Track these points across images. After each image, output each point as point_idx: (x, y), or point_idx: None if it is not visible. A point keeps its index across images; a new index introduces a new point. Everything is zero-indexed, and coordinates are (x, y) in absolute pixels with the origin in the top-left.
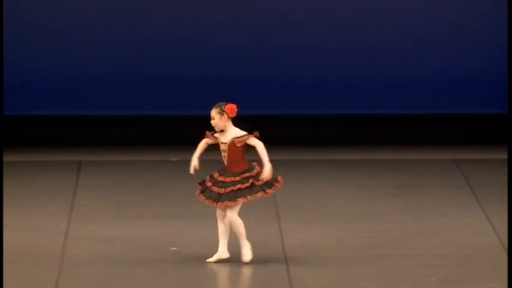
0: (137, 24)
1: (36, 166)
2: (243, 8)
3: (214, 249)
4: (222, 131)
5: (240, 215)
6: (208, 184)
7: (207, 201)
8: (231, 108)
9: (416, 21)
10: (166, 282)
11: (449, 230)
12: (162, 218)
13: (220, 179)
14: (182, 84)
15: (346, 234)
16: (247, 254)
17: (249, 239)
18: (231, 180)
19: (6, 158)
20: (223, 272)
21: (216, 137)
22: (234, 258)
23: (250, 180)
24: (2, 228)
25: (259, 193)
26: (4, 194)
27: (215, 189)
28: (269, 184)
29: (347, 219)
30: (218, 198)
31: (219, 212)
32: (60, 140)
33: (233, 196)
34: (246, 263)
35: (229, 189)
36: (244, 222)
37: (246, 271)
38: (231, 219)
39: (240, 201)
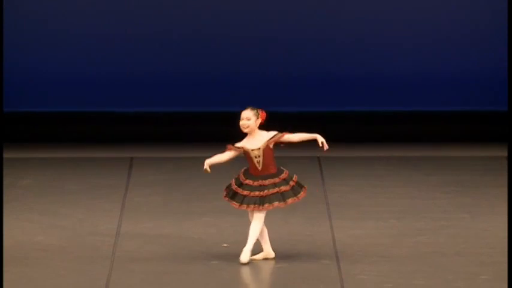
0: (145, 22)
1: (89, 162)
2: (251, 5)
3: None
4: (240, 140)
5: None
6: (245, 193)
7: (242, 207)
8: (264, 114)
9: (420, 21)
10: (219, 279)
11: (502, 228)
12: (214, 214)
13: (257, 183)
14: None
15: (399, 232)
16: (248, 255)
17: (299, 235)
18: (270, 182)
19: (62, 154)
20: (272, 268)
21: (238, 148)
22: (281, 255)
23: (291, 183)
24: (2, 228)
25: (295, 198)
26: (59, 190)
27: (256, 193)
28: (296, 191)
29: (399, 217)
30: (263, 201)
31: (252, 214)
32: (113, 137)
33: (281, 197)
34: (244, 264)
35: (272, 191)
36: (294, 219)
37: (297, 268)
38: (256, 218)
39: (290, 202)
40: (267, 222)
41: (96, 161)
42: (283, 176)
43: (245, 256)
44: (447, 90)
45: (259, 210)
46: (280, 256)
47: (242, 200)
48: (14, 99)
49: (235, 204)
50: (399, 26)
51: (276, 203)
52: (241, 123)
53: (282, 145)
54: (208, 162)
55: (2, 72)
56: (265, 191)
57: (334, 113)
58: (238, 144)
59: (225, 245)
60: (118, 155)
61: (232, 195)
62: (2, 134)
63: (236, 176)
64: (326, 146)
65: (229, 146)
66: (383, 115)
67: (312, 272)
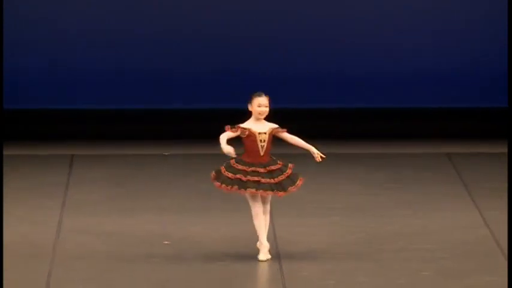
0: (143, 19)
1: (33, 160)
2: (251, 4)
3: (204, 245)
4: (249, 121)
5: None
6: (256, 178)
7: (265, 193)
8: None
9: (418, 16)
10: (160, 277)
11: (442, 225)
12: (156, 212)
13: (264, 170)
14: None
15: (341, 229)
16: (264, 252)
17: (240, 232)
18: (276, 167)
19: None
20: (213, 267)
21: (241, 129)
22: (222, 254)
23: (290, 165)
24: (2, 227)
25: (293, 187)
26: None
27: (267, 180)
28: (295, 175)
29: (341, 214)
30: (273, 187)
31: (258, 210)
32: (54, 134)
33: (291, 181)
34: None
35: (281, 177)
36: (239, 218)
37: (238, 266)
38: (267, 212)
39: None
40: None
41: (37, 158)
42: (281, 162)
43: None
44: (447, 87)
45: (280, 195)
46: (222, 255)
47: (257, 186)
48: None
49: (251, 191)
50: (398, 23)
51: (289, 188)
52: (260, 109)
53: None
54: (227, 147)
55: (2, 71)
56: (276, 178)
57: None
58: (243, 125)
59: (166, 242)
60: (59, 152)
61: (239, 184)
62: (2, 133)
63: (229, 166)
64: (319, 159)
65: (228, 127)
66: (331, 112)
67: (253, 270)
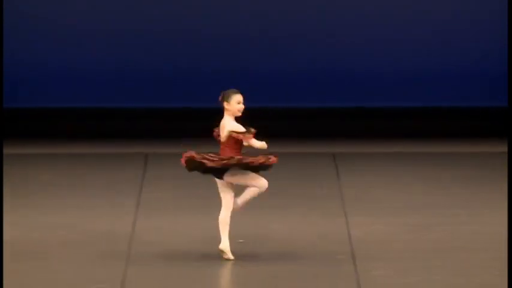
0: (143, 18)
1: (109, 158)
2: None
3: (279, 243)
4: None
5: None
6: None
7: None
8: None
9: (420, 17)
10: (231, 274)
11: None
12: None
13: (214, 155)
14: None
15: (416, 227)
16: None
17: (315, 231)
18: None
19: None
20: (288, 265)
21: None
22: (297, 252)
23: (242, 161)
24: (2, 227)
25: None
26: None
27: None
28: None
29: (415, 213)
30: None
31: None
32: (128, 132)
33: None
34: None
35: (222, 162)
36: (310, 216)
37: (313, 265)
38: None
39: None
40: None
41: (112, 156)
42: (243, 159)
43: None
44: (461, 86)
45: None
46: (297, 253)
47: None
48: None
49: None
50: (400, 22)
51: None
52: (240, 106)
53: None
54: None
55: (2, 70)
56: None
57: (349, 109)
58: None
59: (240, 240)
60: (134, 150)
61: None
62: (2, 131)
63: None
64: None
65: (249, 129)
66: (398, 111)
67: (327, 269)
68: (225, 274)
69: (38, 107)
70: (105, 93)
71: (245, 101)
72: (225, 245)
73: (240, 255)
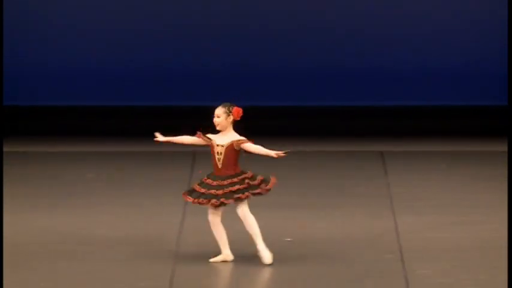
0: (144, 17)
1: (157, 157)
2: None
3: (326, 242)
4: (216, 133)
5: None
6: (202, 190)
7: (196, 201)
8: (238, 111)
9: (420, 13)
10: (278, 272)
11: None
12: (276, 207)
13: (216, 183)
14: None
15: (464, 226)
16: (267, 255)
17: (363, 229)
18: (228, 182)
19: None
20: (336, 263)
21: (209, 139)
22: (345, 250)
23: (247, 181)
24: (2, 225)
25: (257, 190)
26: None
27: (212, 191)
28: (265, 183)
29: (463, 211)
30: (213, 197)
31: (213, 217)
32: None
33: (230, 196)
34: (269, 265)
35: (227, 190)
36: (358, 213)
37: (360, 262)
38: (245, 217)
39: (242, 198)
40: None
41: (161, 155)
42: (244, 176)
43: (268, 257)
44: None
45: (211, 205)
46: (344, 252)
47: (199, 196)
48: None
49: (189, 199)
50: (401, 20)
51: (230, 200)
52: (214, 120)
53: (244, 154)
54: (165, 138)
55: (2, 68)
56: (221, 190)
57: (396, 107)
58: (209, 135)
59: (288, 239)
60: (182, 149)
61: (191, 191)
62: (1, 129)
63: (200, 181)
64: (256, 182)
65: (199, 134)
66: (448, 109)
67: (375, 268)
68: (272, 274)
69: (68, 104)
70: (146, 91)
71: (294, 100)
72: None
73: (288, 255)
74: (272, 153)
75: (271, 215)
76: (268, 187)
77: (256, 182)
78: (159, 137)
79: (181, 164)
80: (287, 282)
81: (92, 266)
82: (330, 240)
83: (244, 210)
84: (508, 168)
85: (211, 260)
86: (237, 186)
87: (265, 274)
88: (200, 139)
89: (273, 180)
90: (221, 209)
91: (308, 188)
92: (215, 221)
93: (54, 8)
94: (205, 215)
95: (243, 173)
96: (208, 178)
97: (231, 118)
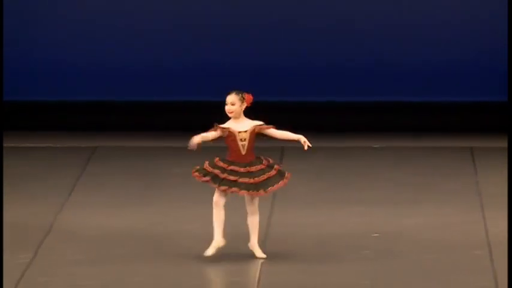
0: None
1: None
2: None
3: (414, 238)
4: (229, 121)
5: None
6: (232, 178)
7: (229, 191)
8: (250, 97)
9: (419, 8)
10: (370, 269)
11: None
12: (365, 203)
13: (243, 169)
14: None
15: None
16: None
17: (451, 225)
18: (257, 168)
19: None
20: (422, 258)
21: (221, 129)
22: (432, 245)
23: (276, 166)
24: (2, 223)
25: (280, 182)
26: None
27: (246, 180)
28: (282, 174)
29: None
30: (250, 187)
31: (220, 199)
32: None
33: (265, 185)
34: (264, 258)
35: (262, 177)
36: (447, 209)
37: (448, 258)
38: (255, 212)
39: (271, 190)
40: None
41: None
42: (266, 162)
43: (260, 252)
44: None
45: (255, 195)
46: (432, 247)
47: (231, 184)
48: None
49: (223, 188)
50: (402, 15)
51: (269, 188)
52: (226, 108)
53: (265, 137)
54: (197, 139)
55: (2, 66)
56: (256, 178)
57: (486, 103)
58: (223, 125)
59: (375, 234)
60: (269, 144)
61: (213, 177)
62: (1, 125)
63: (212, 161)
64: (307, 146)
65: (217, 126)
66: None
67: (463, 263)
68: (363, 269)
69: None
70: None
71: (378, 95)
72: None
73: (376, 250)
74: (302, 138)
75: (358, 210)
76: (287, 176)
77: (274, 172)
78: (194, 140)
79: None
80: (378, 276)
81: (188, 260)
82: (417, 236)
83: (256, 205)
84: (508, 168)
85: (208, 254)
86: (266, 174)
87: (356, 269)
88: (218, 131)
89: (287, 177)
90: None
91: (397, 183)
92: (221, 202)
93: (56, 3)
94: (293, 210)
95: (260, 158)
96: (231, 165)
97: (245, 105)
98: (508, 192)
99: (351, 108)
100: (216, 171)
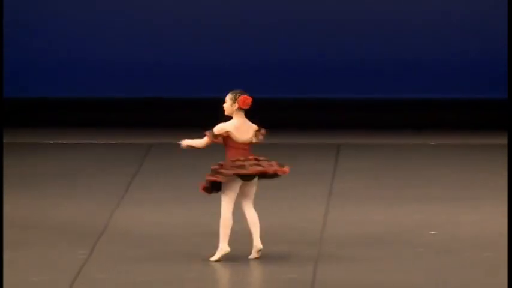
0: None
1: (302, 148)
2: None
3: (473, 236)
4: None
5: None
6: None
7: (234, 174)
8: (244, 99)
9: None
10: (426, 265)
11: None
12: (422, 201)
13: (241, 162)
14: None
15: None
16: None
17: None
18: (253, 157)
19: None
20: (480, 256)
21: (224, 133)
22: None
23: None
24: (2, 222)
25: (284, 167)
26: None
27: (246, 163)
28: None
29: None
30: (253, 165)
31: (229, 205)
32: (321, 124)
33: (268, 167)
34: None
35: (260, 162)
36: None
37: (504, 256)
38: (253, 212)
39: (286, 171)
40: None
41: (306, 147)
42: (263, 158)
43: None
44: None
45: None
46: (489, 244)
47: (258, 163)
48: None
49: (255, 169)
50: (403, 11)
51: (268, 167)
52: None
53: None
54: (187, 142)
55: (2, 62)
56: (253, 162)
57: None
58: (223, 127)
59: (433, 232)
60: (326, 141)
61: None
62: (1, 121)
63: (220, 166)
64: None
65: (209, 135)
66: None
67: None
68: (420, 267)
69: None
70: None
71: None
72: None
73: (433, 248)
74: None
75: (415, 207)
76: (285, 169)
77: (274, 162)
78: (184, 142)
79: (324, 156)
80: (430, 274)
81: (245, 260)
82: (474, 233)
83: (251, 205)
84: (508, 167)
85: (213, 259)
86: (267, 162)
87: (414, 265)
88: (213, 139)
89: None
90: (236, 197)
91: (455, 180)
92: (231, 207)
93: None
94: (349, 208)
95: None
96: (233, 162)
97: (236, 106)
98: (508, 191)
99: (408, 106)
100: (239, 164)
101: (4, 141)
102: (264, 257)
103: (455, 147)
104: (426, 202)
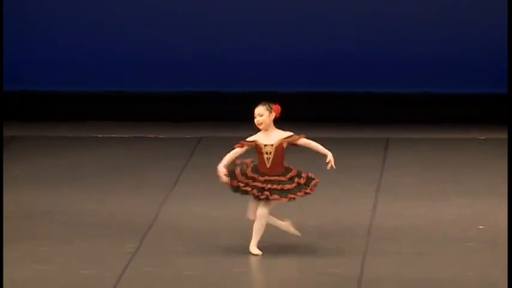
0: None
1: (350, 143)
2: None
3: None
4: (259, 132)
5: None
6: (246, 181)
7: (252, 191)
8: (278, 108)
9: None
10: (474, 261)
11: None
12: (470, 195)
13: (263, 178)
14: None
15: None
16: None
17: None
18: (276, 179)
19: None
20: None
21: (252, 142)
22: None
23: (296, 180)
24: (2, 221)
25: (307, 189)
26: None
27: (258, 184)
28: (307, 184)
29: None
30: (262, 190)
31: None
32: (369, 117)
33: (282, 193)
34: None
35: (277, 186)
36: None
37: None
38: (262, 216)
39: (295, 198)
40: None
41: (354, 141)
42: (290, 174)
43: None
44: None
45: (260, 199)
46: None
47: (244, 185)
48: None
49: (239, 183)
50: (403, 7)
51: (275, 196)
52: (255, 120)
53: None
54: (222, 169)
55: (2, 60)
56: (269, 185)
57: None
58: (250, 138)
59: (481, 227)
60: (374, 135)
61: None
62: (1, 117)
63: (243, 165)
64: (332, 166)
65: (242, 142)
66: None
67: None
68: (468, 261)
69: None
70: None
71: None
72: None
73: (481, 242)
74: (329, 155)
75: (463, 202)
76: (314, 184)
77: (302, 181)
78: (222, 175)
79: (374, 150)
80: (478, 269)
81: (295, 252)
82: None
83: (266, 211)
84: (508, 167)
85: (255, 252)
86: (287, 186)
87: (460, 260)
88: (244, 147)
89: (316, 180)
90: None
91: (504, 175)
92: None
93: None
94: (398, 202)
95: (288, 170)
96: (254, 173)
97: (273, 115)
98: (508, 189)
99: (456, 100)
100: (239, 177)
101: (54, 134)
102: (312, 252)
103: (504, 141)
104: (474, 196)
